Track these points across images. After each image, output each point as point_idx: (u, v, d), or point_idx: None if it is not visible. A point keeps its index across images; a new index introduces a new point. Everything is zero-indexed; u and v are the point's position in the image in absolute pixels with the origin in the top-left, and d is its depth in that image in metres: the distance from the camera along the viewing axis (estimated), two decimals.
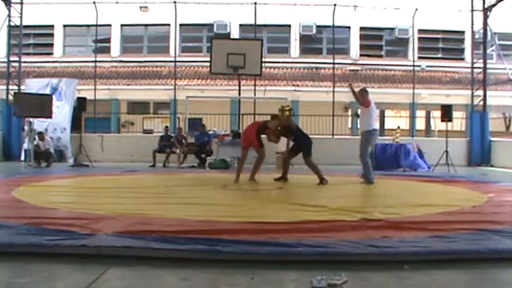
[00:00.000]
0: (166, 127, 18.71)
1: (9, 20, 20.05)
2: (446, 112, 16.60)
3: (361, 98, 11.49)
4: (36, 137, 16.73)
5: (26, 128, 17.90)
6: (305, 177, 11.95)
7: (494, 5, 19.68)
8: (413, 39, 26.07)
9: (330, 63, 23.13)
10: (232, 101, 24.13)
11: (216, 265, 4.02)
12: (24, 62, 21.86)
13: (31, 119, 16.92)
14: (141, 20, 28.49)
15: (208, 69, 18.60)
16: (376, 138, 12.21)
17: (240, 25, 27.47)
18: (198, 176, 13.28)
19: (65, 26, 29.26)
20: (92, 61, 23.31)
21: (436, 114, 21.25)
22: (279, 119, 11.63)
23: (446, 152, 16.14)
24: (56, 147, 18.12)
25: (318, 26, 27.84)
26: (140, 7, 27.38)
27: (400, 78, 27.64)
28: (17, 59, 20.44)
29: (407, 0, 23.08)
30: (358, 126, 12.24)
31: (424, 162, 16.61)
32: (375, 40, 29.74)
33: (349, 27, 28.58)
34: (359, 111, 11.88)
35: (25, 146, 17.98)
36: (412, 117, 25.57)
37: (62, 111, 19.10)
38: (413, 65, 23.66)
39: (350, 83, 12.42)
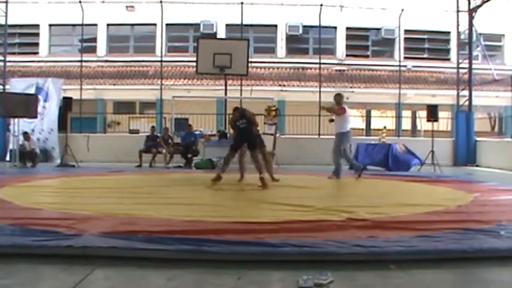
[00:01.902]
0: (153, 127, 18.67)
1: None
2: (432, 112, 16.66)
3: (338, 103, 12.42)
4: (21, 137, 16.64)
5: None
6: (292, 178, 12.00)
7: (479, 6, 19.82)
8: (399, 40, 26.19)
9: (316, 63, 23.16)
10: (219, 101, 24.11)
11: (202, 265, 4.02)
12: (9, 61, 21.74)
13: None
14: (127, 19, 28.36)
15: (195, 69, 18.61)
16: (350, 139, 12.97)
17: (227, 25, 27.42)
18: (184, 176, 13.26)
19: (50, 25, 29.05)
20: (78, 61, 23.18)
21: (422, 114, 21.32)
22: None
23: (432, 152, 16.20)
24: (42, 148, 18.03)
25: (304, 26, 27.84)
26: (126, 7, 27.27)
27: (386, 78, 27.69)
28: (1, 58, 20.32)
29: (393, 0, 23.18)
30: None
31: (414, 157, 16.60)
32: (361, 40, 29.77)
33: (335, 28, 28.59)
34: (334, 117, 12.63)
35: (10, 146, 17.90)
36: (398, 117, 25.62)
37: (48, 112, 19.00)
38: (399, 65, 23.77)
39: (322, 106, 13.03)
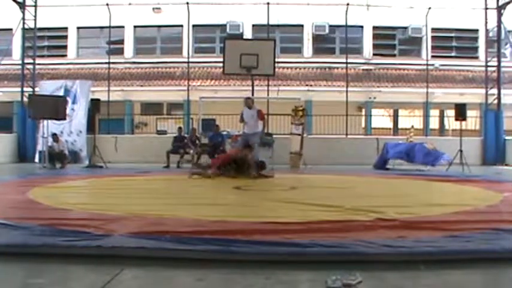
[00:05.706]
0: (180, 128, 18.79)
1: (24, 23, 20.26)
2: (460, 111, 16.52)
3: (249, 106, 13.61)
4: (50, 138, 16.83)
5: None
6: (320, 178, 11.98)
7: (508, 3, 19.59)
8: (426, 38, 25.98)
9: (343, 62, 23.13)
10: None
11: (230, 266, 4.01)
12: (39, 64, 22.08)
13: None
14: (154, 21, 28.59)
15: (222, 69, 18.65)
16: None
17: (253, 25, 27.48)
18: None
19: (78, 28, 29.41)
20: (106, 63, 23.45)
21: (450, 113, 21.15)
22: None
23: (461, 151, 16.05)
24: (71, 149, 18.23)
25: (330, 26, 27.81)
26: (153, 8, 27.50)
27: (413, 77, 27.53)
28: (31, 61, 20.61)
29: None
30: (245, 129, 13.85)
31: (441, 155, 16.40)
32: (388, 39, 29.64)
33: (362, 27, 28.50)
34: (250, 118, 13.61)
35: (39, 147, 18.13)
36: (426, 117, 25.47)
37: (77, 114, 19.21)
38: (427, 64, 23.62)
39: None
